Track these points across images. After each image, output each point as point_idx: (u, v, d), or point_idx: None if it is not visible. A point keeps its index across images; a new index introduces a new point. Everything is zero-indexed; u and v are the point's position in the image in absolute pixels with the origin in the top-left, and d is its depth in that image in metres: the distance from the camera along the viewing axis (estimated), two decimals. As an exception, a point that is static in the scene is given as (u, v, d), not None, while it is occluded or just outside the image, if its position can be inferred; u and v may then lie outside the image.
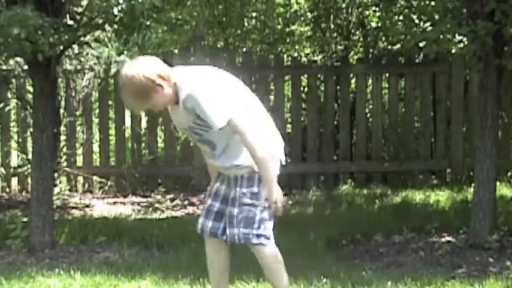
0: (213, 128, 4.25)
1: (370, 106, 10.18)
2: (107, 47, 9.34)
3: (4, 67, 9.25)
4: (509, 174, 9.61)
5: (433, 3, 6.75)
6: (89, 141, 9.98)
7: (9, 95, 9.93)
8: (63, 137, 9.68)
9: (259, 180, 4.35)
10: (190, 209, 8.94)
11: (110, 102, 10.15)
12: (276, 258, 4.45)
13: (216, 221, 4.53)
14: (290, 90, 10.11)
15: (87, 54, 9.14)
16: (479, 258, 6.28)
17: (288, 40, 11.03)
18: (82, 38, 6.98)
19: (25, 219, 7.08)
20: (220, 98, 4.24)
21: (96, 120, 10.51)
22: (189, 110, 4.29)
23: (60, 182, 9.58)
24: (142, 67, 4.25)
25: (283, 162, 4.47)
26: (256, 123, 4.34)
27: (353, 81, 10.22)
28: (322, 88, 10.13)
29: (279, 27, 11.15)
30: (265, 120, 4.46)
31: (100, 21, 6.68)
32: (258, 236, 4.37)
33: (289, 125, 10.14)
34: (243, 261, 6.13)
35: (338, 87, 10.14)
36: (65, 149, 9.72)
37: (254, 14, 11.27)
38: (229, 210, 4.43)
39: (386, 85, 10.14)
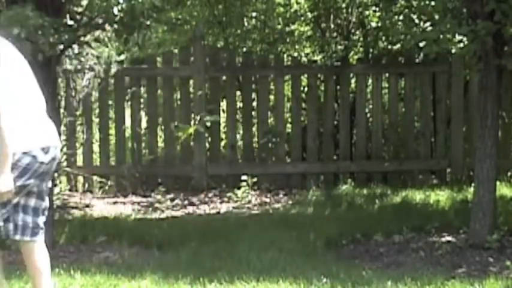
0: None
1: (370, 106, 10.17)
2: (107, 47, 9.32)
3: (4, 67, 9.23)
4: (509, 174, 9.60)
5: (433, 3, 6.76)
6: (89, 141, 9.97)
7: (9, 95, 9.90)
8: (63, 137, 9.67)
9: None
10: (190, 209, 8.93)
11: (110, 102, 10.13)
12: (37, 254, 4.38)
13: None
14: (290, 90, 10.10)
15: (87, 54, 9.10)
16: (479, 258, 6.29)
17: (288, 40, 11.01)
18: (82, 38, 6.97)
19: (25, 219, 7.06)
20: None
21: (96, 120, 10.48)
22: None
23: (60, 182, 9.56)
24: None
25: (51, 155, 4.36)
26: (20, 113, 4.22)
27: (353, 81, 10.21)
28: (322, 88, 10.12)
29: (279, 27, 11.12)
30: (35, 110, 4.34)
31: (100, 21, 6.68)
32: None
33: (289, 125, 10.13)
34: (242, 261, 6.15)
35: (338, 87, 10.13)
36: (65, 149, 9.71)
37: (254, 14, 11.24)
38: None
39: (387, 85, 10.14)
